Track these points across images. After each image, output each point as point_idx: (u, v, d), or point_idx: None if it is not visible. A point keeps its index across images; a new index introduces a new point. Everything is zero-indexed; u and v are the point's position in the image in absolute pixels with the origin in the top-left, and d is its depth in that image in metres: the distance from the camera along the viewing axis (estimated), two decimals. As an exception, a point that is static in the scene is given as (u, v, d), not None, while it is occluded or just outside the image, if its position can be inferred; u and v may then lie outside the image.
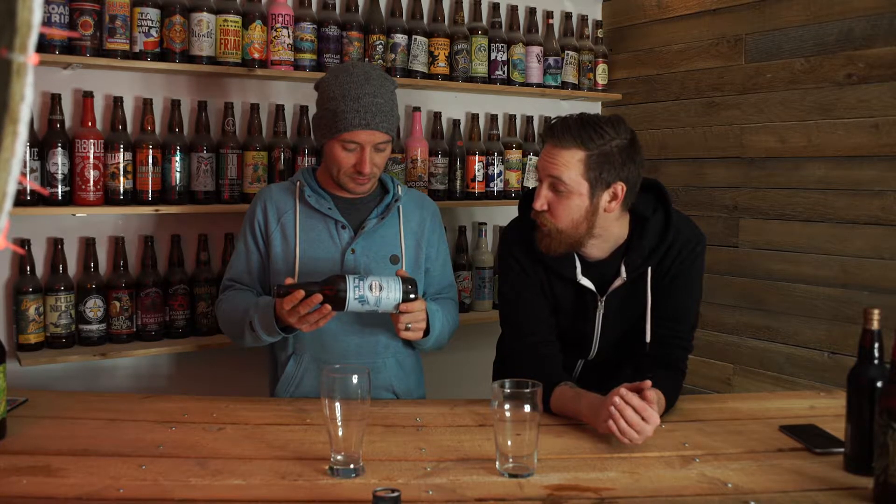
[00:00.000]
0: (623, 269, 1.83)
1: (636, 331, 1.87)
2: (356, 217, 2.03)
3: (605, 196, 1.75)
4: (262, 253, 2.03)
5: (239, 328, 1.93)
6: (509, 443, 1.42)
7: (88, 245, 2.45)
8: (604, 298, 1.87)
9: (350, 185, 1.98)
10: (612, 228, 1.81)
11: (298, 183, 2.03)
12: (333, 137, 1.93)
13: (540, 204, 1.76)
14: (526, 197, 1.95)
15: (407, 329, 1.83)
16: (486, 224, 3.14)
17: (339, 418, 1.40)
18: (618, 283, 1.84)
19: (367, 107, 1.90)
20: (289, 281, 1.78)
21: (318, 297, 1.73)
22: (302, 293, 1.73)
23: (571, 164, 1.72)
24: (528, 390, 1.42)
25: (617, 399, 1.56)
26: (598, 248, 1.83)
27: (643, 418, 1.52)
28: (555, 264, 1.85)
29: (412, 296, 1.78)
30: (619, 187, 1.74)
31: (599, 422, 1.59)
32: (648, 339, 1.84)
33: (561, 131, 1.73)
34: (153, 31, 2.43)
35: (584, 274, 1.85)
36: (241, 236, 2.07)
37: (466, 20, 3.05)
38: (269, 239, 2.01)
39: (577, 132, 1.72)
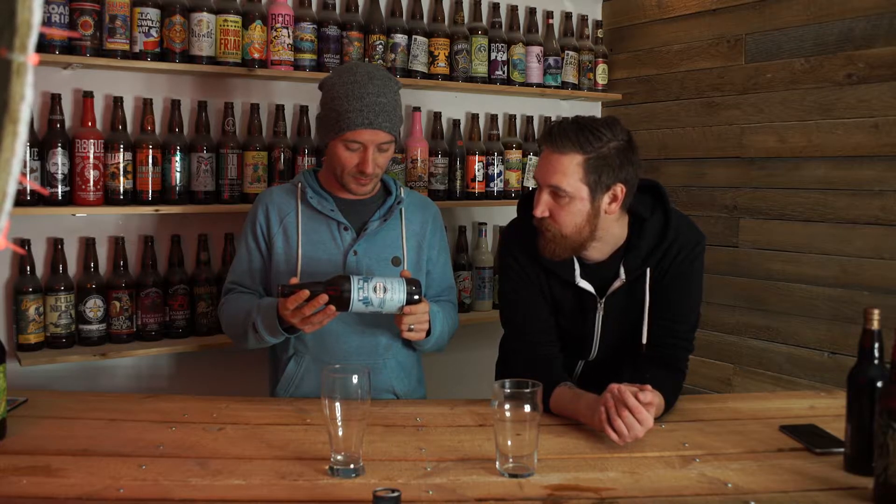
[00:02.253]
0: (622, 270, 1.83)
1: (636, 331, 1.86)
2: (358, 218, 2.02)
3: (606, 198, 1.74)
4: (265, 255, 2.03)
5: (242, 330, 1.94)
6: (509, 443, 1.42)
7: (88, 245, 2.45)
8: (603, 300, 1.87)
9: (352, 186, 1.98)
10: (613, 230, 1.81)
11: (300, 184, 2.03)
12: (336, 137, 1.93)
13: (541, 211, 1.75)
14: (525, 198, 1.95)
15: (410, 330, 1.83)
16: (486, 224, 3.14)
17: (340, 418, 1.40)
18: (617, 284, 1.84)
19: (371, 106, 1.89)
20: (293, 281, 1.79)
21: (324, 298, 1.73)
22: (307, 293, 1.73)
23: (570, 170, 1.71)
24: (528, 390, 1.42)
25: (609, 396, 1.56)
26: (598, 251, 1.83)
27: (637, 419, 1.53)
28: (553, 267, 1.85)
29: (416, 297, 1.78)
30: (619, 189, 1.74)
31: (595, 420, 1.59)
32: (645, 340, 1.84)
33: (558, 135, 1.72)
34: (153, 31, 2.43)
35: (582, 276, 1.85)
36: (242, 239, 2.07)
37: (466, 20, 3.05)
38: (271, 241, 2.01)
39: (575, 136, 1.71)
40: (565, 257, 1.81)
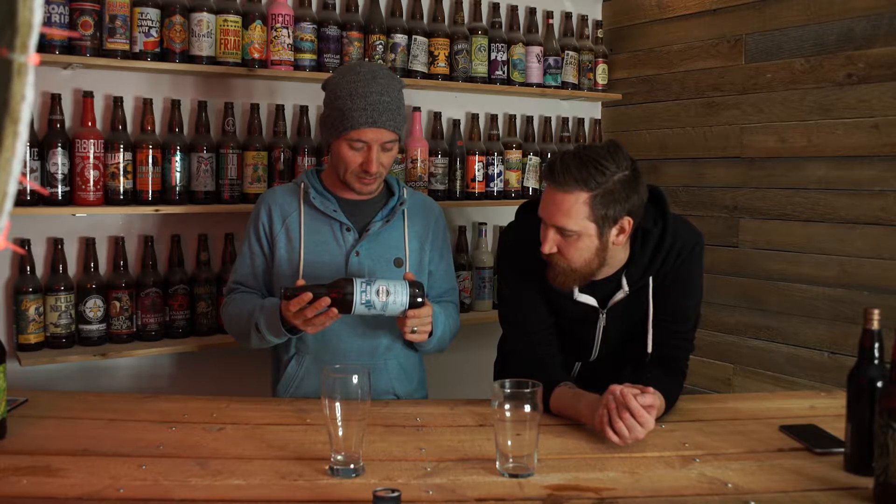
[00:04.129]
0: (624, 282, 1.82)
1: (637, 335, 1.86)
2: (361, 219, 2.02)
3: (614, 231, 1.71)
4: (267, 255, 2.03)
5: (245, 330, 1.94)
6: (509, 443, 1.42)
7: (88, 245, 2.45)
8: (605, 311, 1.86)
9: (356, 185, 1.98)
10: (618, 255, 1.80)
11: (303, 184, 2.03)
12: (340, 136, 1.93)
13: (549, 248, 1.72)
14: (526, 204, 1.95)
15: (413, 332, 1.83)
16: (486, 224, 3.14)
17: (340, 418, 1.40)
18: (620, 296, 1.83)
19: (374, 105, 1.89)
20: (300, 283, 1.79)
21: (326, 301, 1.73)
22: (309, 296, 1.73)
23: (575, 210, 1.66)
24: (528, 390, 1.42)
25: (611, 397, 1.56)
26: (602, 273, 1.82)
27: (637, 421, 1.52)
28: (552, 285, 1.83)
29: (419, 300, 1.78)
30: (626, 221, 1.71)
31: (596, 421, 1.59)
32: (650, 349, 1.83)
33: (560, 172, 1.66)
34: (153, 31, 2.43)
35: (584, 289, 1.84)
36: (245, 239, 2.07)
37: (466, 20, 3.05)
38: (273, 241, 2.01)
39: (578, 172, 1.65)
40: (576, 286, 1.81)
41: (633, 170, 1.70)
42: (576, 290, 1.83)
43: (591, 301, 1.84)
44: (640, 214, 1.75)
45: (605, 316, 1.87)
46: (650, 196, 1.81)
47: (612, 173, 1.66)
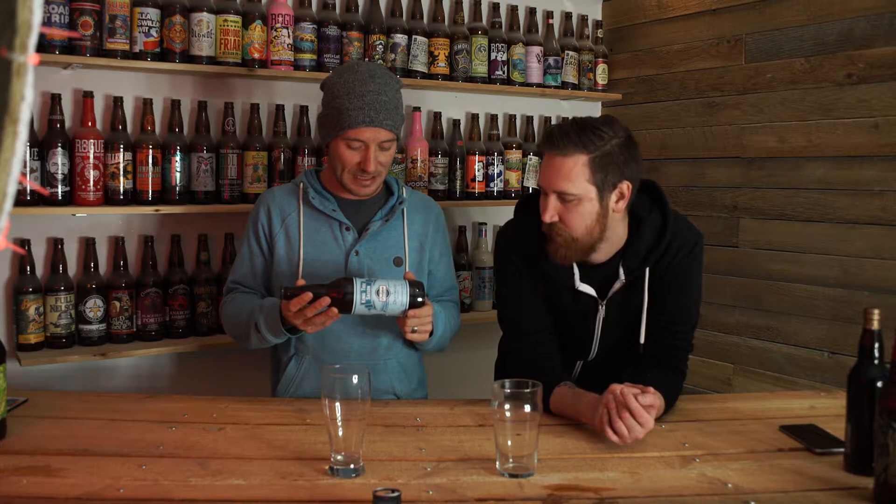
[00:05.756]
0: (621, 271, 1.82)
1: (635, 332, 1.86)
2: (360, 219, 2.02)
3: (613, 196, 1.73)
4: (266, 255, 2.03)
5: (244, 329, 1.94)
6: (509, 443, 1.42)
7: (88, 245, 2.45)
8: (604, 302, 1.87)
9: (352, 186, 1.97)
10: (617, 230, 1.81)
11: (302, 185, 2.03)
12: (338, 135, 1.93)
13: (550, 216, 1.73)
14: (524, 201, 1.95)
15: (413, 332, 1.83)
16: (486, 224, 3.14)
17: (340, 418, 1.40)
18: (617, 286, 1.84)
19: (372, 104, 1.89)
20: (300, 282, 1.79)
21: (326, 300, 1.73)
22: (309, 295, 1.73)
23: (575, 172, 1.69)
24: (528, 390, 1.42)
25: (611, 397, 1.56)
26: (602, 252, 1.82)
27: (637, 421, 1.53)
28: (553, 273, 1.84)
29: (419, 300, 1.78)
30: (626, 186, 1.74)
31: (596, 420, 1.59)
32: (643, 339, 1.84)
33: (559, 138, 1.71)
34: (153, 31, 2.43)
35: (583, 279, 1.85)
36: (244, 239, 2.07)
37: (466, 20, 3.05)
38: (272, 241, 2.01)
39: (577, 136, 1.70)
40: (576, 261, 1.81)
41: (629, 137, 1.76)
42: (576, 280, 1.83)
43: (590, 291, 1.85)
44: (638, 183, 1.78)
45: (604, 308, 1.87)
46: (644, 187, 1.84)
47: (609, 137, 1.71)
